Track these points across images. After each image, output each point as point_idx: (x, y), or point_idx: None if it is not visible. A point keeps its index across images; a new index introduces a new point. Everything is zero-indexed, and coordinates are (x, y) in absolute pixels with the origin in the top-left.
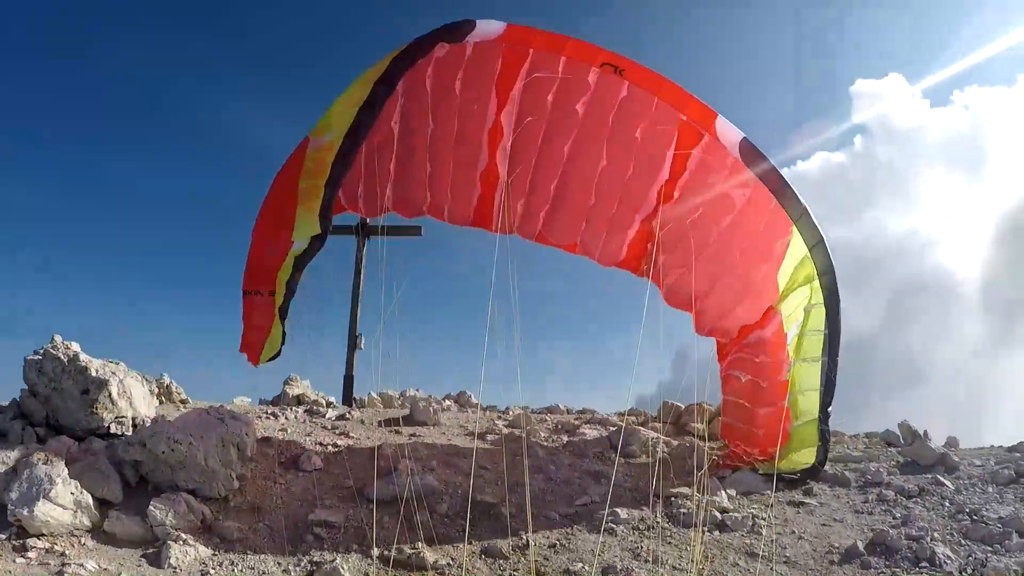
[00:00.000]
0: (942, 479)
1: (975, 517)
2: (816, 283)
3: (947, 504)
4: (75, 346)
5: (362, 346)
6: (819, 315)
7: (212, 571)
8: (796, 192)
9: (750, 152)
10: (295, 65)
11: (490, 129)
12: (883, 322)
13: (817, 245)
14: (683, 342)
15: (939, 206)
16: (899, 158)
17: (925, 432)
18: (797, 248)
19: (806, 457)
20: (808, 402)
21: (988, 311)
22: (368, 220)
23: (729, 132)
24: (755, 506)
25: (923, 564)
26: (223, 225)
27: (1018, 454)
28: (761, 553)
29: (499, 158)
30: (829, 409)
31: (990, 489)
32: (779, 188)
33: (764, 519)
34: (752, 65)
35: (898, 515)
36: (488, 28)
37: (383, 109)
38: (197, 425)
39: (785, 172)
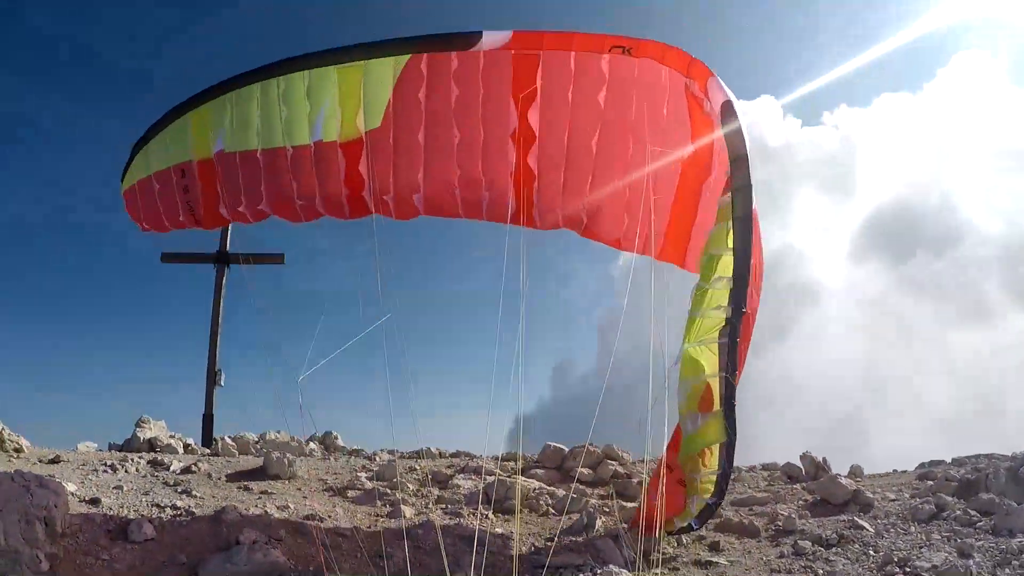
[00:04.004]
0: (860, 521)
1: (907, 568)
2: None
3: (871, 553)
4: None
5: (222, 382)
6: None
7: None
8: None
9: (729, 114)
10: None
11: (515, 133)
12: (764, 336)
13: (741, 219)
14: (563, 356)
15: (809, 222)
16: (774, 177)
17: (824, 460)
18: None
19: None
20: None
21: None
22: (229, 248)
23: (716, 94)
24: (657, 569)
25: None
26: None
27: (930, 482)
28: None
29: (531, 160)
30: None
31: (913, 529)
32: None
33: None
34: None
35: (820, 572)
36: (494, 37)
37: (413, 110)
38: None
39: None
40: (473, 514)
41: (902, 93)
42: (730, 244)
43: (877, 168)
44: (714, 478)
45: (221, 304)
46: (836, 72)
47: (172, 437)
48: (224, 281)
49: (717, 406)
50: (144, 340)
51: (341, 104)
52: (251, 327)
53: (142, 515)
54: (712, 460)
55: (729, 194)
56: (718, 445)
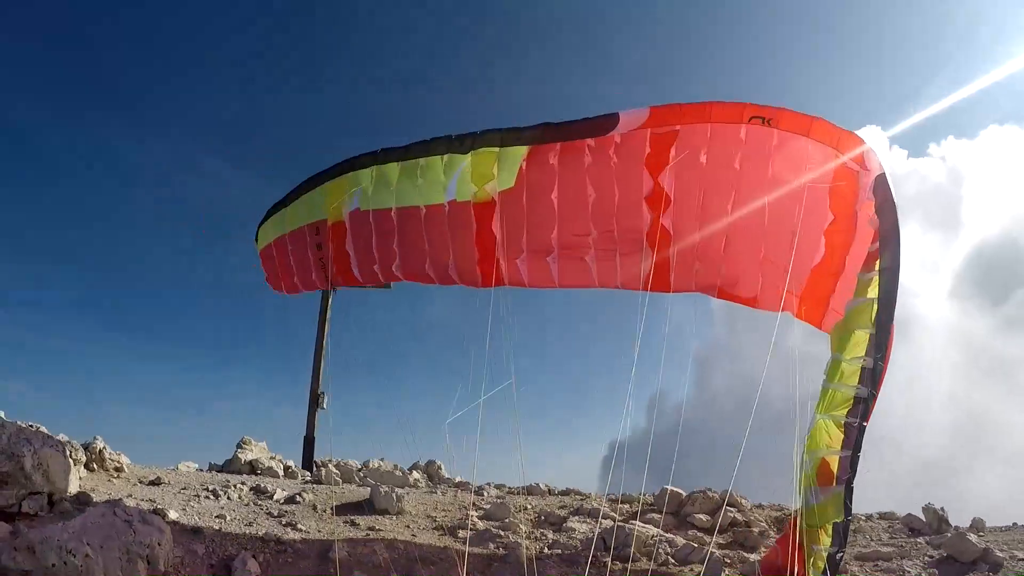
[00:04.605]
0: None
1: None
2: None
3: None
4: None
5: (325, 405)
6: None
7: None
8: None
9: (883, 189)
10: None
11: (649, 195)
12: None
13: (884, 301)
14: (656, 387)
15: (915, 256)
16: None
17: (943, 510)
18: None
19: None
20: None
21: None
22: None
23: (873, 166)
24: None
25: None
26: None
27: None
28: None
29: (666, 221)
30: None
31: None
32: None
33: None
34: None
35: None
36: (631, 118)
37: (547, 174)
38: (98, 531)
39: None
40: (590, 561)
41: (1009, 125)
42: (871, 322)
43: (984, 202)
44: (825, 555)
45: (326, 328)
46: (945, 102)
47: (273, 458)
48: (329, 304)
49: (835, 484)
50: (248, 361)
51: (474, 176)
52: (356, 351)
53: (245, 549)
54: (826, 538)
55: (875, 273)
56: (831, 524)
